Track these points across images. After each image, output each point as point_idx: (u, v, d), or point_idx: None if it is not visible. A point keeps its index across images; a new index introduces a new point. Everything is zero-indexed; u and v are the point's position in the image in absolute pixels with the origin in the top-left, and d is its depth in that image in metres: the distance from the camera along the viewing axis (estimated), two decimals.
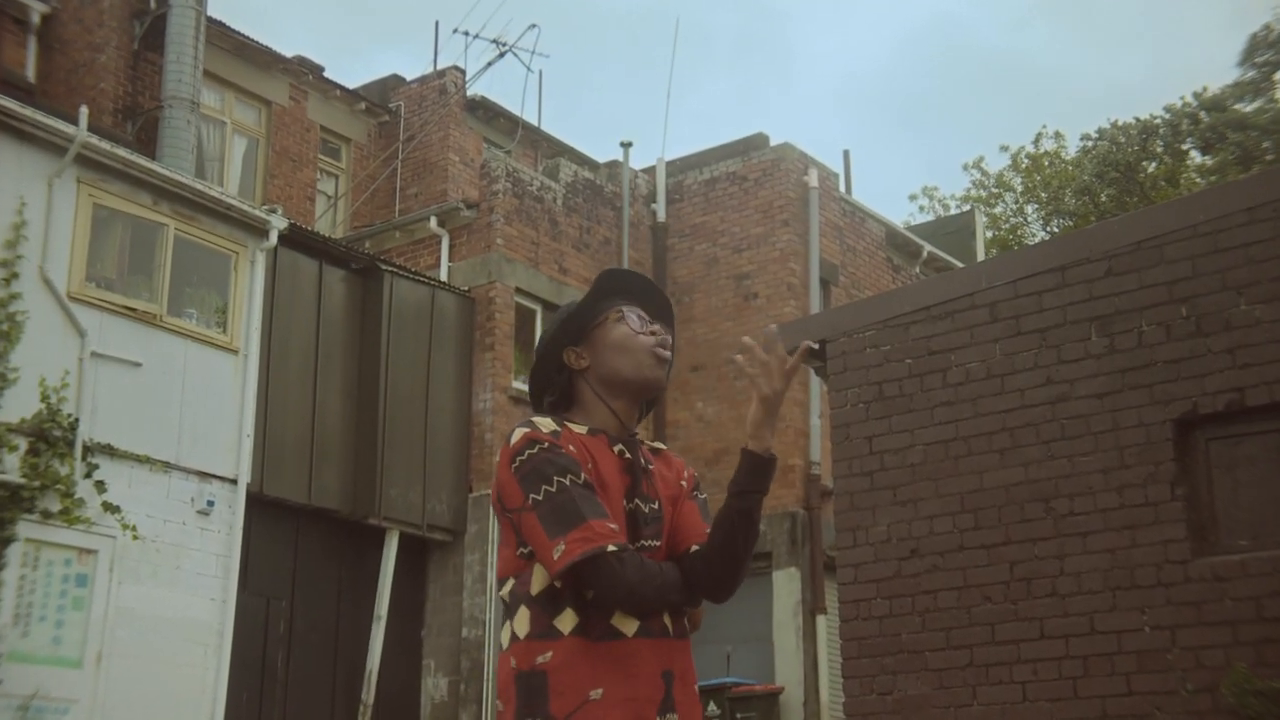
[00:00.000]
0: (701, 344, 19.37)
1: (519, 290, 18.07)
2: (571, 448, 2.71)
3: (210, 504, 14.06)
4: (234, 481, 14.38)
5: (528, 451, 2.68)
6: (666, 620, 2.73)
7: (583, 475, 2.67)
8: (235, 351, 14.69)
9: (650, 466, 2.88)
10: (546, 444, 2.69)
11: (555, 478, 2.65)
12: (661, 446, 3.00)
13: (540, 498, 2.65)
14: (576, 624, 2.64)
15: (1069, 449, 8.23)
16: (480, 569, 16.69)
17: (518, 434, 2.73)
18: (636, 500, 2.79)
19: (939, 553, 8.60)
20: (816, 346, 9.25)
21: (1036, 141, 35.51)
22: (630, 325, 2.86)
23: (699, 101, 68.57)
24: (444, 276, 17.94)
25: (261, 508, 15.03)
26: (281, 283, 15.62)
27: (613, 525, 2.64)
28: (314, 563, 15.82)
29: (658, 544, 2.79)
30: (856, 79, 76.06)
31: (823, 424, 17.88)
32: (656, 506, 2.82)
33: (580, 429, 2.81)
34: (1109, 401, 8.15)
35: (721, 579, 2.76)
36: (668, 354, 2.87)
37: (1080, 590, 8.03)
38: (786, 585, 17.64)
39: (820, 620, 17.57)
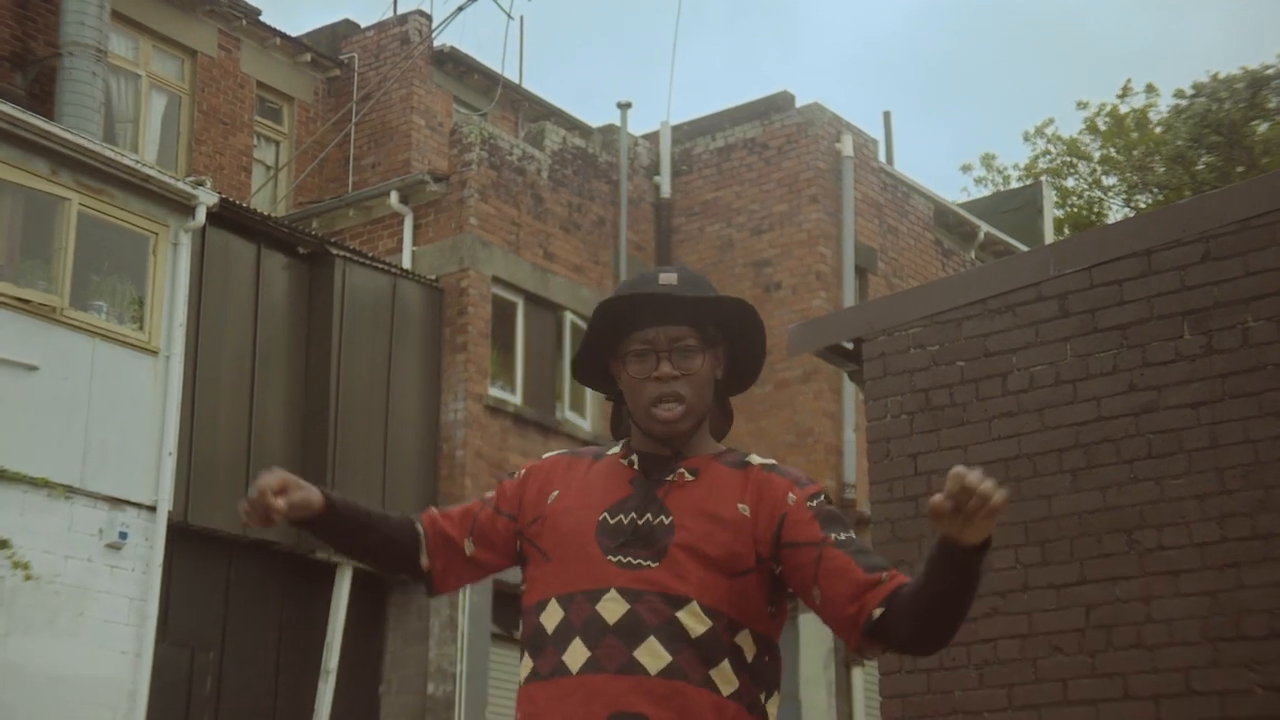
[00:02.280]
0: None
1: (496, 279, 18.14)
2: (521, 473, 3.31)
3: (123, 536, 13.99)
4: (152, 509, 14.33)
5: None
6: (642, 657, 2.94)
7: (486, 505, 3.31)
8: (154, 352, 14.66)
9: (688, 478, 3.11)
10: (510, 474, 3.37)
11: None
12: (757, 461, 3.19)
13: None
14: (531, 668, 3.09)
15: (1157, 469, 8.14)
16: (450, 613, 16.74)
17: None
18: (625, 514, 3.08)
19: (999, 593, 8.52)
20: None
21: (1122, 96, 34.98)
22: (631, 372, 3.15)
23: (692, 70, 68.74)
24: (407, 263, 18.01)
25: (185, 540, 14.96)
26: (211, 270, 15.61)
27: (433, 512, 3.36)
28: (249, 606, 15.76)
29: (653, 565, 3.01)
30: (874, 42, 76.14)
31: (858, 438, 17.84)
32: (666, 521, 3.05)
33: (614, 449, 3.25)
34: (1206, 412, 8.05)
35: (926, 633, 2.99)
36: (669, 413, 3.12)
37: (1173, 641, 7.93)
38: (815, 632, 17.64)
39: (856, 674, 17.69)
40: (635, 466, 3.16)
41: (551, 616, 3.05)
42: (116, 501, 14.03)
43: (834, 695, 17.46)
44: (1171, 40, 59.67)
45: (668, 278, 3.15)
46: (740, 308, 3.18)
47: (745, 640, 3.05)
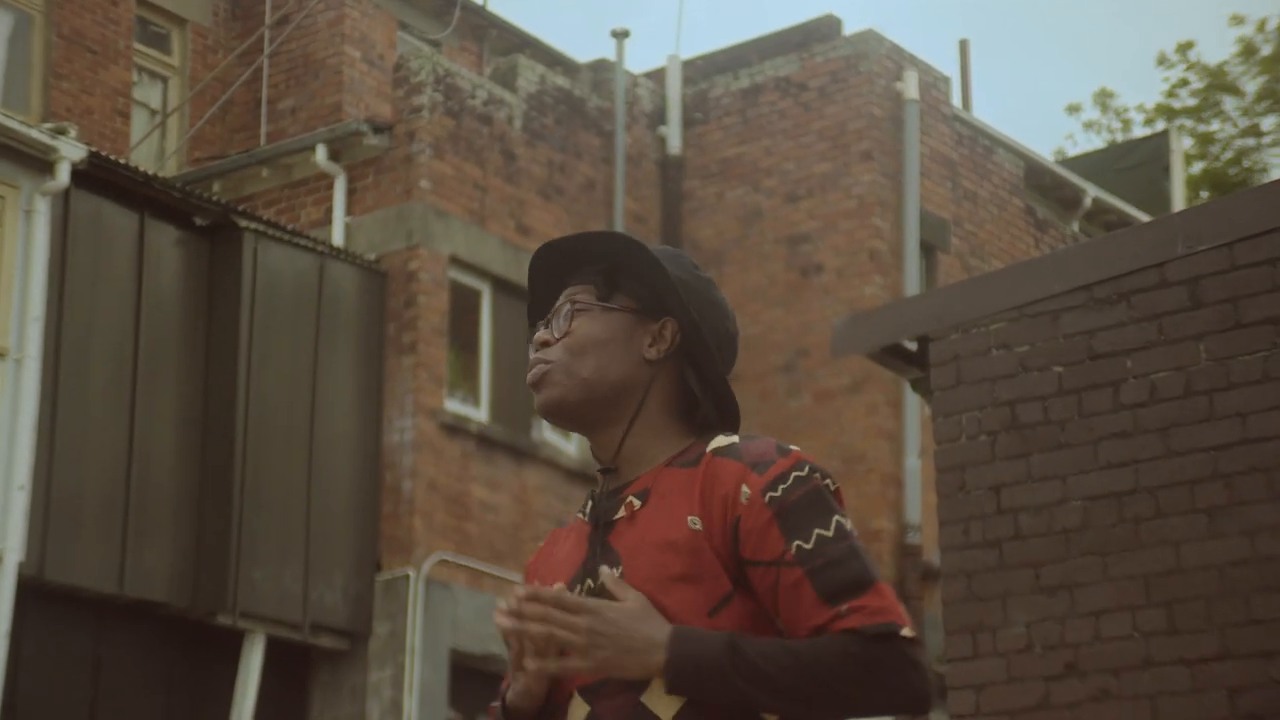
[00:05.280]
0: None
1: (455, 260, 18.26)
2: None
3: None
4: None
5: None
6: None
7: None
8: (1, 354, 14.60)
9: (636, 505, 3.09)
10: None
11: None
12: (715, 444, 3.10)
13: None
14: None
15: None
16: (393, 693, 16.80)
17: None
18: (581, 583, 3.12)
19: (1111, 670, 8.51)
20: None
21: None
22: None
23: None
24: (338, 239, 18.13)
25: (41, 601, 15.00)
26: (78, 246, 15.64)
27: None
28: (126, 688, 15.77)
29: None
30: None
31: (924, 466, 17.72)
32: (617, 573, 3.07)
33: None
34: None
35: None
36: (532, 381, 3.18)
37: None
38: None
39: None
40: (587, 515, 3.18)
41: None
42: None
43: None
44: None
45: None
46: (624, 241, 3.21)
47: None
